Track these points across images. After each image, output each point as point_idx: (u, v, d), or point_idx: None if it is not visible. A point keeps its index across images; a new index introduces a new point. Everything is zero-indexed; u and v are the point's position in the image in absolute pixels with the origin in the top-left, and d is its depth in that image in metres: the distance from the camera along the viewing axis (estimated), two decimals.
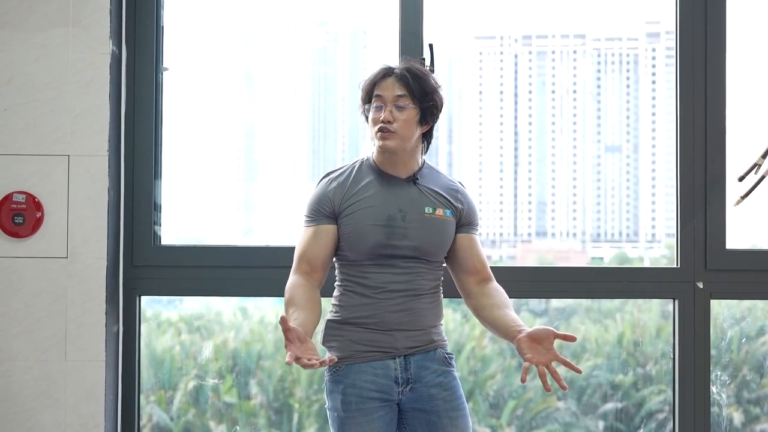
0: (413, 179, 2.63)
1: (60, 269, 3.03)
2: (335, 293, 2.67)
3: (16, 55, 3.04)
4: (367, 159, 2.68)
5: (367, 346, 2.58)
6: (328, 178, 2.66)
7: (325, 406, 2.64)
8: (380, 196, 2.60)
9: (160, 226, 3.21)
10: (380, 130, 2.57)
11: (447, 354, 2.66)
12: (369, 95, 2.62)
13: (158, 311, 3.71)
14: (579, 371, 2.43)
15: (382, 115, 2.56)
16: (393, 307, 2.58)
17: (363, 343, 2.58)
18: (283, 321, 2.36)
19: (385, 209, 2.59)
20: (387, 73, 2.61)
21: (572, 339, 2.45)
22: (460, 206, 2.67)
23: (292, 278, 2.61)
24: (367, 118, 2.64)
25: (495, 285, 2.69)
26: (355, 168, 2.66)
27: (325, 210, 2.61)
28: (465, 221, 2.68)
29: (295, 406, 3.67)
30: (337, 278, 2.68)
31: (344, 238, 2.59)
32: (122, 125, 3.14)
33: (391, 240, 2.57)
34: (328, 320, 2.65)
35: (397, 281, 2.59)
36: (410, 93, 2.58)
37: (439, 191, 2.65)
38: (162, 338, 3.68)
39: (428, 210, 2.62)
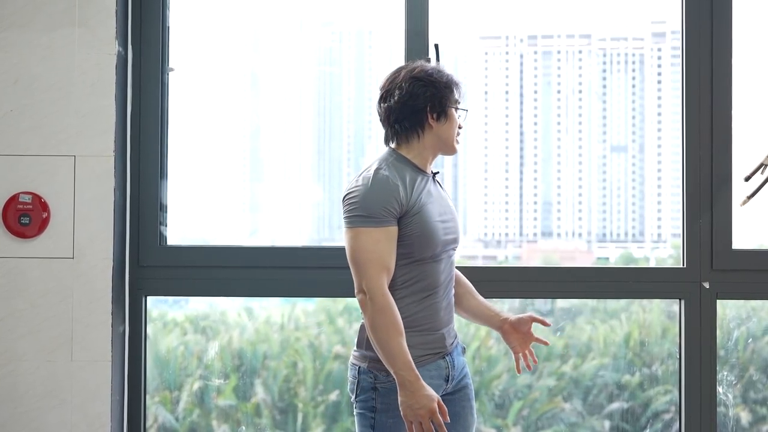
0: (433, 175, 2.67)
1: (66, 269, 3.03)
2: None
3: (22, 55, 3.05)
4: (394, 156, 2.60)
5: (424, 350, 2.56)
6: (385, 176, 2.51)
7: (365, 411, 2.54)
8: (429, 192, 2.60)
9: (166, 226, 3.21)
10: (458, 135, 2.65)
11: (463, 345, 2.73)
12: (451, 95, 2.61)
13: (164, 311, 3.71)
14: (548, 324, 2.79)
15: (462, 123, 2.65)
16: (442, 303, 2.61)
17: (419, 347, 2.56)
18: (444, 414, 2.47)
19: (436, 205, 2.60)
20: None
21: (546, 324, 2.78)
22: None
23: (388, 297, 2.47)
24: (439, 111, 2.59)
25: (457, 272, 2.79)
26: (396, 166, 2.57)
27: (395, 210, 2.49)
28: None
29: (299, 406, 3.67)
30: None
31: (413, 237, 2.52)
32: (128, 126, 3.15)
33: (446, 235, 2.60)
34: None
35: (444, 276, 2.61)
36: None
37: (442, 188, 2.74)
38: (168, 338, 3.69)
39: (449, 202, 2.70)
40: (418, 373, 2.44)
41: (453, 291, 2.69)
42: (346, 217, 2.52)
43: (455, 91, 2.61)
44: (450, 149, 2.64)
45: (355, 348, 2.61)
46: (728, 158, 3.11)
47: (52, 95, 3.05)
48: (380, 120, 2.64)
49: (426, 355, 2.57)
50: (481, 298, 2.82)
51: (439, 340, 2.60)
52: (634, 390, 3.67)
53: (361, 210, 2.48)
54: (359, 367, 2.57)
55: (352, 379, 2.59)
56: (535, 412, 3.72)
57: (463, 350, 2.73)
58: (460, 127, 2.64)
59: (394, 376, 2.45)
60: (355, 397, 2.58)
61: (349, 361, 2.64)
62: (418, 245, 2.54)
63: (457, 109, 2.62)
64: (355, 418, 2.59)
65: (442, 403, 2.47)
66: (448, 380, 2.61)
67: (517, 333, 2.76)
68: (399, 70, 2.63)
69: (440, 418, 2.43)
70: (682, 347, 3.12)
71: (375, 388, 2.53)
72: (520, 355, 2.78)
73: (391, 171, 2.53)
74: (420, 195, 2.55)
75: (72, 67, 3.05)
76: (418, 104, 2.56)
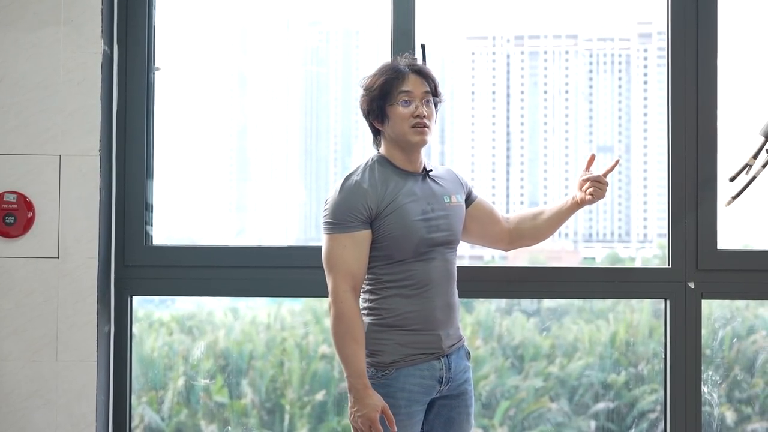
0: (426, 173, 2.66)
1: (51, 269, 3.02)
2: (371, 296, 2.62)
3: (7, 54, 3.04)
4: (376, 158, 2.65)
5: (416, 349, 2.59)
6: (354, 182, 2.58)
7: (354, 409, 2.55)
8: (411, 192, 2.60)
9: (151, 226, 3.20)
10: (418, 125, 2.59)
11: (467, 349, 2.73)
12: (388, 92, 2.59)
13: (150, 311, 3.70)
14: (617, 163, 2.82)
15: (418, 110, 2.59)
16: (436, 303, 2.60)
17: (411, 346, 2.58)
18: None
19: (418, 204, 2.60)
20: (412, 70, 2.63)
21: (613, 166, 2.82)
22: (464, 183, 2.79)
23: (348, 303, 2.53)
24: (379, 115, 2.61)
25: (510, 215, 2.89)
26: (375, 168, 2.62)
27: (362, 215, 2.55)
28: (469, 193, 2.80)
29: (286, 407, 3.67)
30: (374, 281, 2.62)
31: (390, 238, 2.56)
32: (114, 125, 3.14)
33: (430, 233, 2.59)
34: (370, 324, 2.60)
35: (437, 275, 2.61)
36: (432, 90, 2.64)
37: (446, 179, 2.72)
38: (153, 338, 3.68)
39: (446, 199, 2.67)
40: (367, 382, 2.51)
41: (454, 291, 2.68)
42: (322, 224, 2.61)
43: (390, 86, 2.59)
44: (407, 144, 2.61)
45: None
46: (713, 159, 3.12)
47: (37, 94, 3.04)
48: None
49: (418, 354, 2.58)
50: (543, 214, 2.84)
51: (434, 340, 2.61)
52: (620, 389, 3.68)
53: (330, 217, 2.57)
54: None
55: None
56: (522, 412, 3.72)
57: (468, 355, 2.73)
58: (418, 116, 2.59)
59: (346, 381, 2.53)
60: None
61: None
62: (396, 246, 2.56)
63: (404, 102, 2.59)
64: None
65: (389, 413, 2.50)
66: (442, 382, 2.62)
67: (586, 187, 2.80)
68: None
69: (380, 427, 2.48)
70: (667, 347, 3.13)
71: None
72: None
73: (364, 175, 2.58)
74: (396, 196, 2.57)
75: (58, 65, 3.04)
76: (364, 115, 2.67)
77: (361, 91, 2.66)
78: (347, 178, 2.60)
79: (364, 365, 2.52)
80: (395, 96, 2.60)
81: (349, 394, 2.54)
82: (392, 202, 2.57)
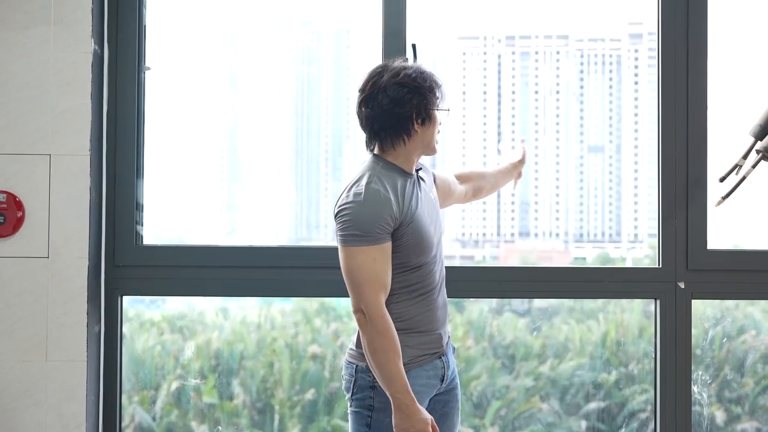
0: (416, 172, 2.62)
1: (41, 269, 3.02)
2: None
3: None
4: (381, 163, 2.54)
5: (422, 350, 2.57)
6: (375, 191, 2.45)
7: (362, 410, 2.53)
8: (417, 196, 2.56)
9: (142, 225, 3.20)
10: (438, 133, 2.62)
11: (453, 345, 2.74)
12: (434, 98, 2.55)
13: (140, 311, 3.70)
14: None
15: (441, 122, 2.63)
16: (438, 303, 2.60)
17: (417, 348, 2.56)
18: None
19: (424, 208, 2.57)
20: None
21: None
22: (429, 170, 2.75)
23: (387, 318, 2.44)
24: (423, 115, 2.52)
25: (459, 173, 2.96)
26: (386, 175, 2.51)
27: (389, 226, 2.45)
28: (435, 176, 2.80)
29: (276, 407, 3.66)
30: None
31: (409, 246, 2.49)
32: (104, 124, 3.13)
33: (435, 235, 2.59)
34: None
35: (439, 275, 2.61)
36: None
37: (426, 174, 2.69)
38: (144, 338, 3.67)
39: (432, 196, 2.65)
40: (413, 396, 2.44)
41: (445, 288, 2.67)
42: (340, 235, 2.47)
43: (437, 92, 2.56)
44: (432, 150, 2.60)
45: (352, 347, 2.58)
46: (703, 159, 3.12)
47: (27, 93, 3.03)
48: (360, 124, 2.56)
49: (424, 355, 2.57)
50: (490, 172, 3.02)
51: (436, 340, 2.60)
52: (611, 389, 3.68)
53: (355, 228, 2.43)
54: (356, 366, 2.54)
55: (348, 378, 2.56)
56: (513, 412, 3.73)
57: (454, 350, 2.73)
58: (439, 123, 2.59)
59: (390, 398, 2.45)
60: (351, 396, 2.55)
61: (344, 359, 2.62)
62: (414, 254, 2.52)
63: (438, 109, 2.57)
64: (350, 417, 2.57)
65: (436, 425, 2.48)
66: (442, 380, 2.62)
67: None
68: (380, 73, 2.53)
69: None
70: (657, 347, 3.13)
71: (373, 386, 2.51)
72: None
73: (382, 183, 2.47)
74: (411, 203, 2.50)
75: (48, 65, 3.03)
76: (404, 112, 2.50)
77: (408, 82, 2.51)
78: (367, 185, 2.46)
79: (407, 380, 2.45)
80: (438, 103, 2.56)
81: (394, 411, 2.45)
82: (410, 210, 2.50)
